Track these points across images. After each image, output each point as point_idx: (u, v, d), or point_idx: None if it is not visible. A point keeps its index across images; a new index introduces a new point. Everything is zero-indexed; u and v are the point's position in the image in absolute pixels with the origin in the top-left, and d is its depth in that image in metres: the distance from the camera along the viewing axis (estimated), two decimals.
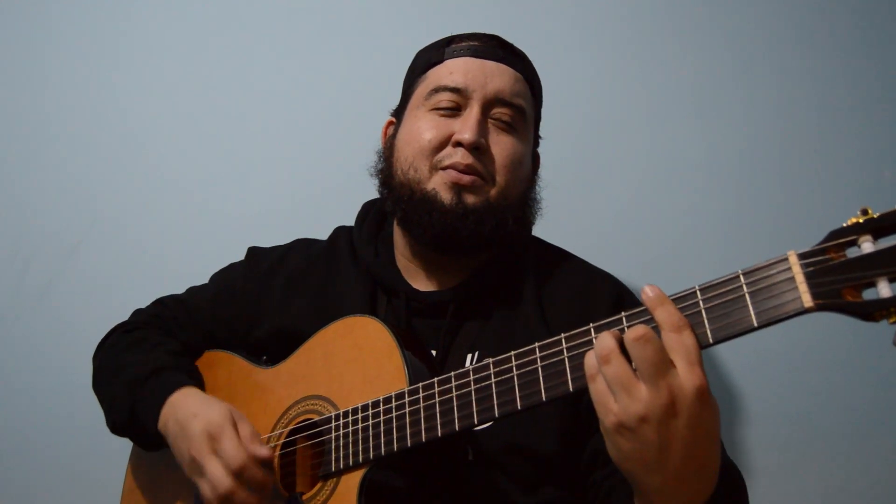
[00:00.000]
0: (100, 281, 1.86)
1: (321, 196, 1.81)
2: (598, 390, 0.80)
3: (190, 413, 1.13)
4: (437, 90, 1.24)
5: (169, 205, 1.88)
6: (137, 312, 1.46)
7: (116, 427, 1.30)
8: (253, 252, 1.43)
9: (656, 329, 0.79)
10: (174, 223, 1.87)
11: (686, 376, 0.76)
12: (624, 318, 0.84)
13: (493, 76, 1.24)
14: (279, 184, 1.87)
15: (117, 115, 1.94)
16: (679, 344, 0.77)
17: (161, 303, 1.45)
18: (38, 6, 1.99)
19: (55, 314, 1.86)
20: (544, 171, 1.39)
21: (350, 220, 1.40)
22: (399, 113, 1.34)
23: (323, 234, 1.43)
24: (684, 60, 1.81)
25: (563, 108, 1.58)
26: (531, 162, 1.32)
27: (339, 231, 1.40)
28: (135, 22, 1.98)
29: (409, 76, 1.35)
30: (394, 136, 1.31)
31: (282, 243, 1.45)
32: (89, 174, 1.91)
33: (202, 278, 1.48)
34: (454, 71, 1.24)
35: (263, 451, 1.07)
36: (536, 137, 1.36)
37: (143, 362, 1.27)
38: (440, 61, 1.27)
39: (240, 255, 1.46)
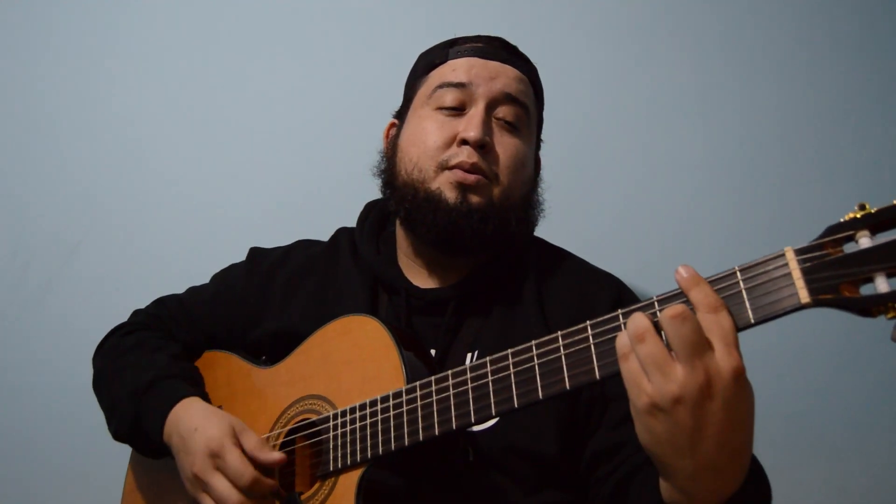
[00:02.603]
0: (100, 281, 1.87)
1: (323, 197, 1.81)
2: (631, 370, 0.77)
3: (191, 427, 1.13)
4: (441, 86, 1.23)
5: (169, 205, 1.88)
6: (136, 313, 1.46)
7: (120, 435, 1.30)
8: (254, 252, 1.43)
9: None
10: (174, 223, 1.87)
11: (723, 358, 0.74)
12: (620, 316, 0.84)
13: (498, 75, 1.23)
14: (281, 185, 1.87)
15: (117, 115, 1.95)
16: (716, 325, 0.75)
17: (160, 303, 1.45)
18: (39, 7, 1.99)
19: (55, 314, 1.86)
20: (545, 171, 1.38)
21: (352, 222, 1.40)
22: (402, 114, 1.33)
23: (324, 235, 1.43)
24: (684, 60, 1.81)
25: (563, 107, 1.57)
26: (533, 164, 1.32)
27: (341, 232, 1.39)
28: (135, 23, 1.98)
29: (410, 78, 1.35)
30: (397, 136, 1.30)
31: (283, 244, 1.44)
32: (89, 174, 1.92)
33: (203, 278, 1.47)
34: (457, 68, 1.24)
35: (275, 456, 1.07)
36: (538, 141, 1.35)
37: (143, 369, 1.26)
38: (443, 62, 1.27)
39: (241, 256, 1.45)
